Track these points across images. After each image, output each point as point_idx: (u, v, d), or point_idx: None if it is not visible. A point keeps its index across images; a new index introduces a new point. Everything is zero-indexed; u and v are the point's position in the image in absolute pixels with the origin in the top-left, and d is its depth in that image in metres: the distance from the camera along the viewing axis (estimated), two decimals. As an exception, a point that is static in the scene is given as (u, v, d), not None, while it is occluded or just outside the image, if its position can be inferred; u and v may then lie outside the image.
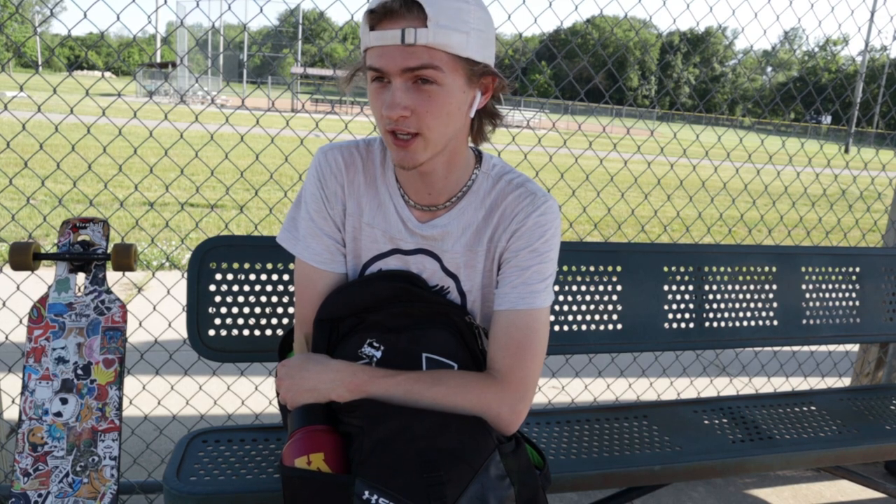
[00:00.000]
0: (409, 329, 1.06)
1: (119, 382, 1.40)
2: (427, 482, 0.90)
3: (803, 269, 2.05)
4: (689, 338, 1.90)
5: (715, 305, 1.93)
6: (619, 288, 1.82)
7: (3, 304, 1.83)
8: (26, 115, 7.24)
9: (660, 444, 1.63)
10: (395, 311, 1.06)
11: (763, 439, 1.70)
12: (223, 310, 1.52)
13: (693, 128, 3.02)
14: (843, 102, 3.12)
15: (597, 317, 1.80)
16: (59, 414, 1.37)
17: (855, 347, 3.38)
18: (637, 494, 1.67)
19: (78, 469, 1.36)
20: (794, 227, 3.27)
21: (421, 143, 0.96)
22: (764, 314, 1.98)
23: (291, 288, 1.56)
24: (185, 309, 1.51)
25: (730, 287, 1.95)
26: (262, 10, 2.00)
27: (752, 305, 1.97)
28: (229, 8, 2.31)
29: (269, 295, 1.55)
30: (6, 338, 1.86)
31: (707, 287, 1.93)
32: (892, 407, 1.99)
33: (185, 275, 1.52)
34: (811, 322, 2.04)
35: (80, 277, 1.44)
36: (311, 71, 28.42)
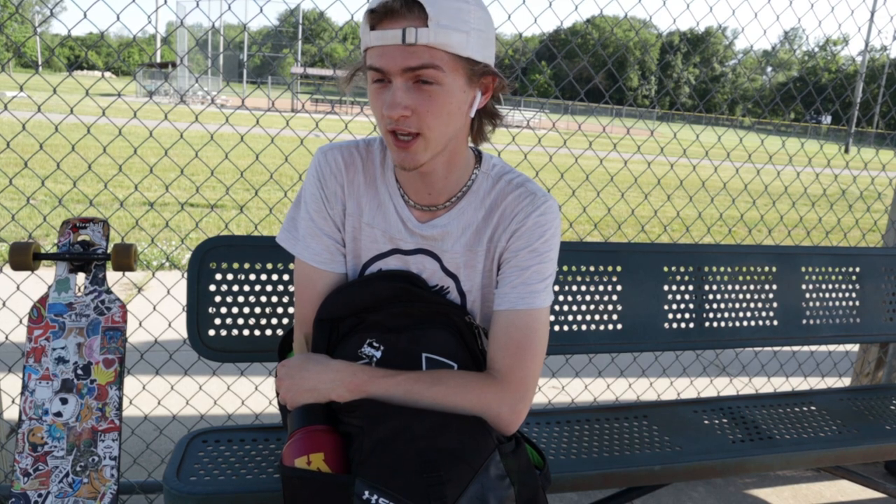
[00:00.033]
0: (409, 329, 1.06)
1: (119, 382, 1.40)
2: (427, 482, 0.90)
3: (803, 269, 2.05)
4: (689, 338, 1.90)
5: (715, 305, 1.93)
6: (619, 288, 1.82)
7: (3, 304, 1.83)
8: (26, 115, 7.24)
9: (660, 444, 1.63)
10: (394, 311, 1.06)
11: (763, 439, 1.70)
12: (223, 310, 1.52)
13: (693, 128, 3.02)
14: (843, 102, 3.12)
15: (597, 317, 1.80)
16: (59, 414, 1.37)
17: (855, 347, 3.39)
18: (637, 494, 1.67)
19: (78, 469, 1.36)
20: (794, 227, 3.27)
21: (421, 144, 0.96)
22: (764, 314, 1.98)
23: (291, 288, 1.56)
24: (185, 309, 1.51)
25: (730, 287, 1.95)
26: (262, 10, 2.00)
27: (752, 305, 1.97)
28: (229, 8, 2.31)
29: (269, 295, 1.55)
30: (6, 338, 1.86)
31: (707, 287, 1.93)
32: (892, 407, 1.99)
33: (185, 275, 1.52)
34: (811, 322, 2.04)
35: (80, 277, 1.44)
36: (311, 71, 28.42)
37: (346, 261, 1.13)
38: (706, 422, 1.79)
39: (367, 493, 0.89)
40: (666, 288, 1.88)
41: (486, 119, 1.08)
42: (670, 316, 1.87)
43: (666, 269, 1.88)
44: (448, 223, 1.09)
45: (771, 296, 1.99)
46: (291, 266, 1.55)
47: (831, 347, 3.44)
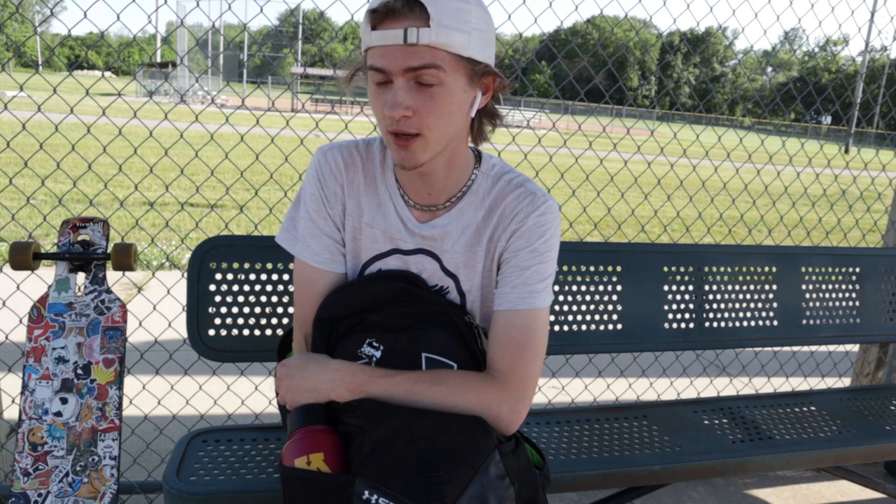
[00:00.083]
0: (409, 329, 1.06)
1: (119, 382, 1.40)
2: (427, 482, 0.90)
3: (803, 269, 2.05)
4: (689, 338, 1.90)
5: (715, 305, 1.93)
6: (619, 288, 1.82)
7: (3, 304, 1.83)
8: (26, 115, 7.24)
9: (660, 444, 1.63)
10: (394, 311, 1.06)
11: (763, 439, 1.70)
12: (223, 310, 1.52)
13: (693, 128, 3.02)
14: (843, 103, 3.12)
15: (597, 317, 1.80)
16: (59, 414, 1.37)
17: (855, 347, 3.38)
18: (637, 494, 1.67)
19: (78, 469, 1.36)
20: (794, 227, 3.27)
21: (421, 143, 0.96)
22: (764, 314, 1.98)
23: (291, 288, 1.56)
24: (185, 309, 1.51)
25: (730, 287, 1.95)
26: (262, 10, 2.00)
27: (752, 305, 1.97)
28: (229, 8, 2.31)
29: (269, 295, 1.55)
30: (6, 338, 1.86)
31: (707, 287, 1.93)
32: (892, 407, 1.99)
33: (185, 275, 1.52)
34: (811, 322, 2.04)
35: (80, 277, 1.44)
36: (311, 71, 28.42)
37: (346, 261, 1.13)
38: (706, 422, 1.79)
39: (366, 492, 0.89)
40: (666, 288, 1.88)
41: (486, 119, 1.08)
42: (670, 316, 1.87)
43: (666, 269, 1.88)
44: (448, 223, 1.09)
45: (771, 296, 1.99)
46: (291, 266, 1.55)
47: (831, 347, 3.44)
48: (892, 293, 2.17)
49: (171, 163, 7.92)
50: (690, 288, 1.91)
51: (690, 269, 1.92)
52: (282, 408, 1.17)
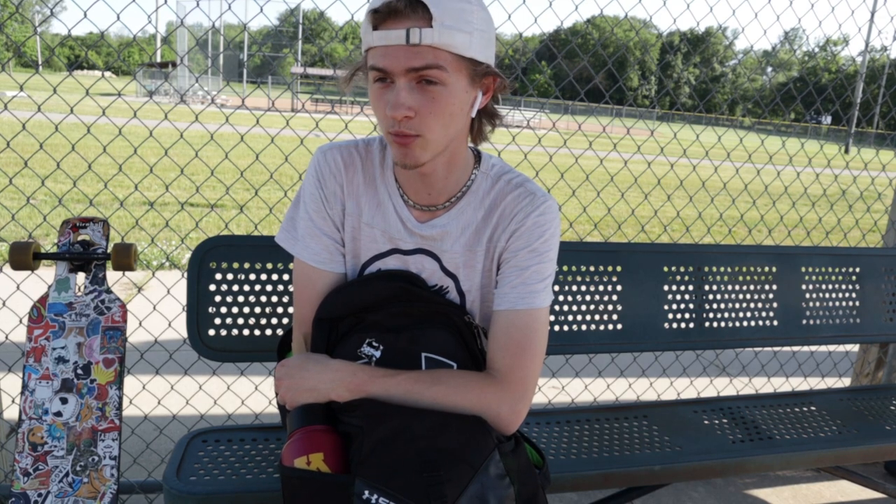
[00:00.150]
0: (409, 329, 1.06)
1: (119, 382, 1.40)
2: (427, 482, 0.90)
3: (803, 269, 2.05)
4: (689, 338, 1.90)
5: (715, 305, 1.93)
6: (619, 288, 1.82)
7: (3, 304, 1.83)
8: (26, 115, 7.24)
9: (660, 444, 1.63)
10: (394, 311, 1.06)
11: (763, 439, 1.70)
12: (223, 310, 1.52)
13: (693, 128, 3.02)
14: (843, 103, 3.12)
15: (597, 317, 1.80)
16: (59, 413, 1.37)
17: (855, 347, 3.39)
18: (637, 494, 1.67)
19: (78, 469, 1.36)
20: (794, 227, 3.26)
21: (422, 144, 0.96)
22: (764, 314, 1.98)
23: (291, 288, 1.56)
24: (185, 309, 1.51)
25: (730, 287, 1.95)
26: (262, 10, 2.00)
27: (752, 305, 1.97)
28: (229, 8, 2.31)
29: (269, 295, 1.55)
30: (6, 338, 1.86)
31: (707, 287, 1.93)
32: (892, 407, 1.99)
33: (185, 275, 1.52)
34: (811, 322, 2.04)
35: (80, 277, 1.44)
36: (311, 71, 28.42)
37: (346, 261, 1.13)
38: (706, 422, 1.79)
39: (366, 492, 0.89)
40: (666, 288, 1.88)
41: (485, 119, 1.08)
42: (670, 316, 1.87)
43: (666, 269, 1.88)
44: (447, 223, 1.09)
45: (771, 296, 1.99)
46: (291, 266, 1.55)
47: (831, 347, 3.45)
48: (892, 293, 2.17)
49: (171, 163, 7.92)
50: (690, 288, 1.91)
51: (690, 269, 1.92)
52: (281, 408, 1.17)
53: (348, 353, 1.05)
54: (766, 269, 2.00)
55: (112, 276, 3.73)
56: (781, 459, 1.63)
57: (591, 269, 1.80)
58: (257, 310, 1.54)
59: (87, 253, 1.44)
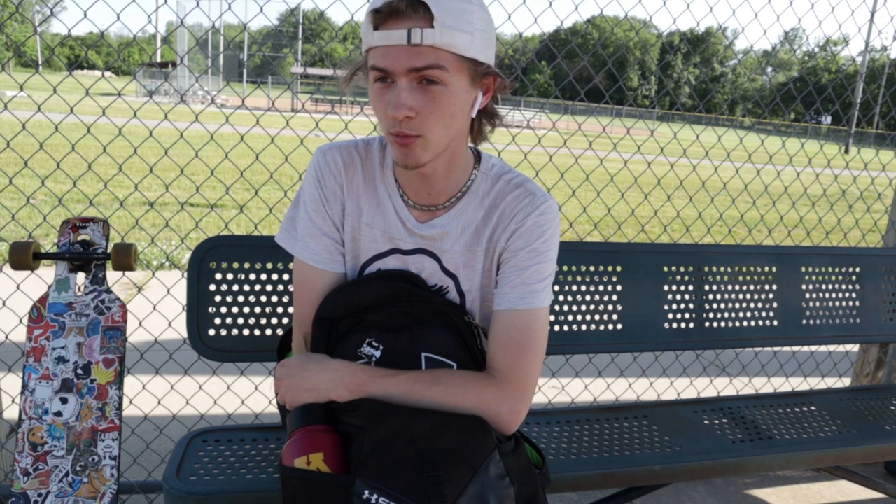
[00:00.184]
0: (409, 329, 1.06)
1: (119, 382, 1.40)
2: (427, 482, 0.90)
3: (803, 269, 2.05)
4: (689, 338, 1.90)
5: (715, 305, 1.93)
6: (619, 288, 1.82)
7: (3, 304, 1.83)
8: (26, 115, 7.24)
9: (660, 444, 1.63)
10: (394, 311, 1.06)
11: (763, 439, 1.70)
12: (223, 309, 1.52)
13: (693, 128, 3.02)
14: (843, 103, 3.12)
15: (597, 317, 1.80)
16: (59, 413, 1.37)
17: (855, 347, 3.39)
18: (637, 494, 1.67)
19: (78, 469, 1.36)
20: (794, 227, 3.27)
21: (423, 144, 0.96)
22: (764, 314, 1.98)
23: (291, 288, 1.56)
24: (185, 309, 1.51)
25: (730, 287, 1.95)
26: (262, 10, 2.00)
27: (752, 305, 1.97)
28: (229, 8, 2.31)
29: (269, 295, 1.55)
30: (6, 337, 1.86)
31: (707, 287, 1.93)
32: (892, 407, 1.99)
33: (185, 274, 1.52)
34: (811, 322, 2.04)
35: (80, 277, 1.44)
36: (311, 71, 28.43)
37: (346, 261, 1.13)
38: (706, 422, 1.79)
39: (366, 492, 0.89)
40: (666, 288, 1.88)
41: (485, 119, 1.08)
42: (670, 316, 1.87)
43: (666, 269, 1.88)
44: (447, 223, 1.09)
45: (771, 296, 1.99)
46: (291, 266, 1.55)
47: (831, 347, 3.45)
48: (892, 293, 2.17)
49: (171, 163, 7.92)
50: (690, 288, 1.91)
51: (690, 269, 1.92)
52: (281, 408, 1.17)
53: (348, 353, 1.05)
54: (766, 269, 2.00)
55: (112, 276, 3.73)
56: (781, 459, 1.63)
57: (591, 269, 1.80)
58: (257, 310, 1.54)
59: (87, 253, 1.44)
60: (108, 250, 1.45)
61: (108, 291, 1.44)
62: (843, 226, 4.50)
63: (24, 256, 1.42)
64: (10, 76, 1.90)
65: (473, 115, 1.01)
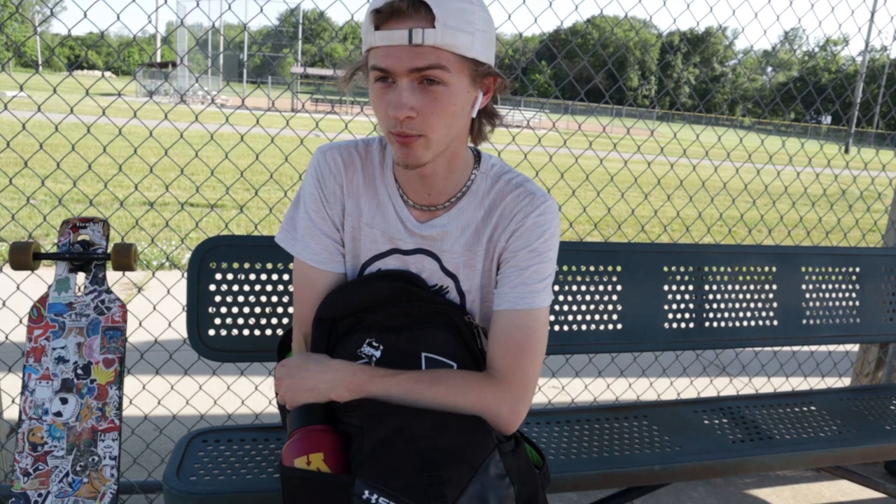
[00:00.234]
0: (409, 329, 1.06)
1: (119, 382, 1.40)
2: (427, 481, 0.90)
3: (803, 269, 2.05)
4: (689, 338, 1.90)
5: (715, 305, 1.93)
6: (619, 288, 1.82)
7: (3, 304, 1.83)
8: (26, 115, 7.24)
9: (660, 444, 1.63)
10: (394, 311, 1.06)
11: (763, 439, 1.70)
12: (223, 310, 1.52)
13: (693, 128, 3.02)
14: (843, 102, 3.12)
15: (597, 317, 1.80)
16: (59, 414, 1.37)
17: (855, 347, 3.39)
18: (637, 494, 1.67)
19: (78, 469, 1.36)
20: (794, 227, 3.27)
21: (424, 144, 0.96)
22: (764, 314, 1.98)
23: (291, 288, 1.56)
24: (185, 309, 1.51)
25: (730, 287, 1.95)
26: (262, 10, 2.00)
27: (752, 305, 1.97)
28: (229, 8, 2.31)
29: (269, 295, 1.55)
30: (6, 338, 1.86)
31: (707, 287, 1.93)
32: (892, 407, 1.99)
33: (185, 275, 1.52)
34: (811, 322, 2.04)
35: (80, 277, 1.44)
36: (311, 71, 28.43)
37: (346, 261, 1.13)
38: (706, 422, 1.79)
39: (366, 492, 0.89)
40: (666, 288, 1.88)
41: (485, 119, 1.08)
42: (670, 316, 1.87)
43: (666, 269, 1.88)
44: (447, 223, 1.09)
45: (771, 296, 1.99)
46: (291, 266, 1.55)
47: (831, 347, 3.44)
48: (892, 293, 2.17)
49: (171, 163, 7.92)
50: (690, 288, 1.91)
51: (690, 269, 1.92)
52: (281, 408, 1.17)
53: (348, 353, 1.05)
54: (766, 268, 2.00)
55: (112, 276, 3.73)
56: (781, 459, 1.63)
57: (591, 269, 1.80)
58: (257, 310, 1.54)
59: (87, 253, 1.44)
60: (108, 250, 1.45)
61: (108, 291, 1.44)
62: (843, 226, 4.50)
63: (24, 256, 1.42)
64: (10, 76, 1.90)
65: (474, 115, 1.01)
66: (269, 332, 1.55)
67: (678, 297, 1.89)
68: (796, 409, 1.91)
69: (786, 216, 7.76)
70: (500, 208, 1.08)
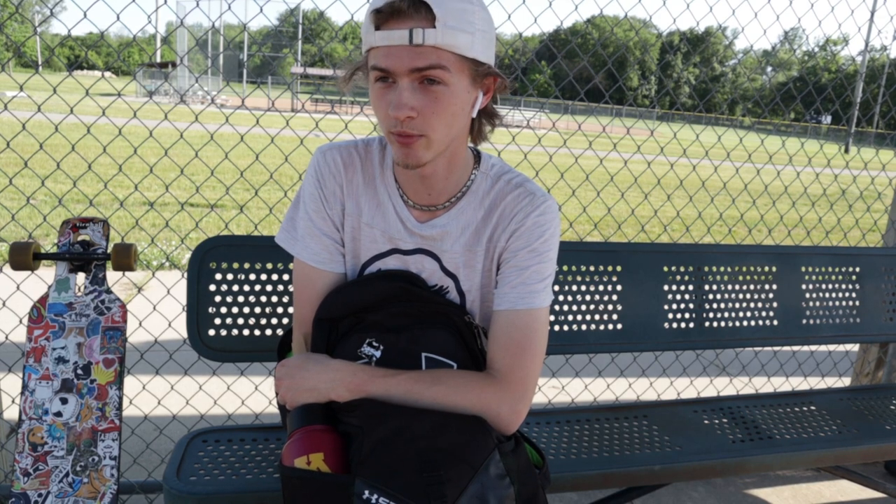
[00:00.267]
0: (409, 329, 1.06)
1: (119, 382, 1.40)
2: (427, 481, 0.90)
3: (803, 269, 2.05)
4: (689, 338, 1.90)
5: (715, 305, 1.93)
6: (619, 288, 1.82)
7: (3, 304, 1.83)
8: (26, 115, 7.24)
9: (660, 444, 1.63)
10: (394, 311, 1.06)
11: (763, 439, 1.70)
12: (223, 310, 1.52)
13: (693, 128, 3.02)
14: (843, 102, 3.12)
15: (597, 317, 1.80)
16: (59, 414, 1.37)
17: (855, 347, 3.38)
18: (637, 494, 1.67)
19: (78, 469, 1.36)
20: (794, 227, 3.27)
21: (424, 143, 0.96)
22: (764, 314, 1.98)
23: (291, 288, 1.56)
24: (185, 309, 1.51)
25: (730, 287, 1.95)
26: (262, 10, 2.00)
27: (752, 305, 1.97)
28: (229, 8, 2.31)
29: (269, 295, 1.55)
30: (6, 338, 1.86)
31: (707, 287, 1.93)
32: (892, 407, 1.99)
33: (185, 275, 1.52)
34: (811, 322, 2.04)
35: (80, 277, 1.44)
36: (311, 71, 28.44)
37: (346, 261, 1.13)
38: (706, 422, 1.79)
39: (366, 492, 0.89)
40: (666, 288, 1.88)
41: (485, 119, 1.08)
42: (670, 316, 1.87)
43: (666, 269, 1.88)
44: (447, 223, 1.09)
45: (771, 296, 1.99)
46: (291, 266, 1.55)
47: (831, 347, 3.44)
48: (892, 293, 2.17)
49: (171, 163, 7.92)
50: (690, 288, 1.91)
51: (690, 268, 1.92)
52: (282, 408, 1.17)
53: (348, 353, 1.05)
54: (766, 268, 2.00)
55: (112, 276, 3.73)
56: (781, 459, 1.63)
57: (591, 269, 1.80)
58: (257, 310, 1.54)
59: (87, 253, 1.44)
60: (108, 250, 1.45)
61: (108, 291, 1.44)
62: (843, 225, 4.50)
63: (24, 257, 1.42)
64: (10, 76, 1.90)
65: (474, 115, 1.01)
66: (269, 332, 1.55)
67: (678, 297, 1.89)
68: (796, 409, 1.91)
69: (786, 216, 7.76)
70: (500, 208, 1.08)
